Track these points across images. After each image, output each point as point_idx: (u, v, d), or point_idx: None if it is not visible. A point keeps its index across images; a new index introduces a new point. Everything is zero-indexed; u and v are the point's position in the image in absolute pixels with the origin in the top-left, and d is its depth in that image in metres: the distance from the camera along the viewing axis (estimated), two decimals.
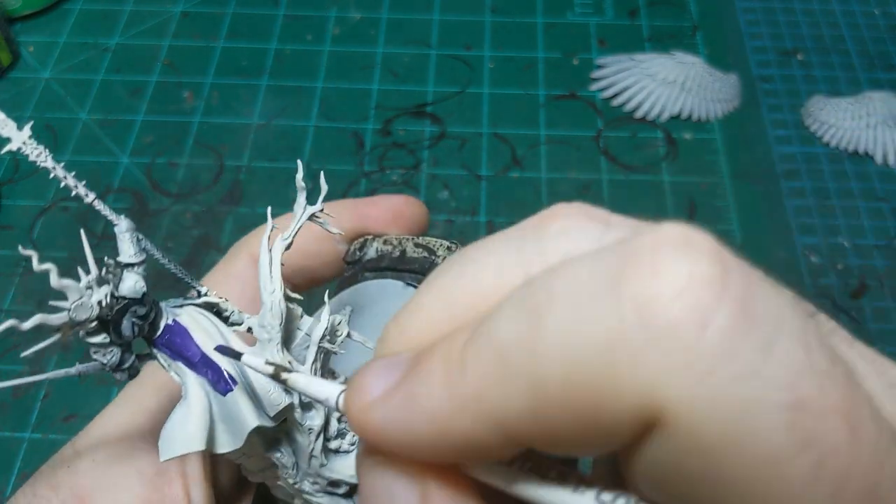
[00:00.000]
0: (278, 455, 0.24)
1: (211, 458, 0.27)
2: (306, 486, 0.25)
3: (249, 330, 0.23)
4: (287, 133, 0.64)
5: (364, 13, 0.73)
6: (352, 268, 0.32)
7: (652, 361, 0.12)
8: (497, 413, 0.14)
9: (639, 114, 0.66)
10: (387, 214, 0.32)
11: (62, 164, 0.20)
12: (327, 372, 0.25)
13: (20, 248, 0.19)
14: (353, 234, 0.32)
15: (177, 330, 0.21)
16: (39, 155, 0.20)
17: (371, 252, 0.31)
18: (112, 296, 0.20)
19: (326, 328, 0.24)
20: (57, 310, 0.19)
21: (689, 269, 0.13)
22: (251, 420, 0.21)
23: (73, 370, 0.21)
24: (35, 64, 0.69)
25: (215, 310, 0.23)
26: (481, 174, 0.62)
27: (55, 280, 0.18)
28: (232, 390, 0.21)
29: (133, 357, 0.21)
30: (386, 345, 0.17)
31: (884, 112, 0.64)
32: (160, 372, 0.22)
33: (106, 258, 0.20)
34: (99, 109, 0.65)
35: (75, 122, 0.64)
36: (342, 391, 0.17)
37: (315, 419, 0.24)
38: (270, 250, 0.23)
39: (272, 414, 0.22)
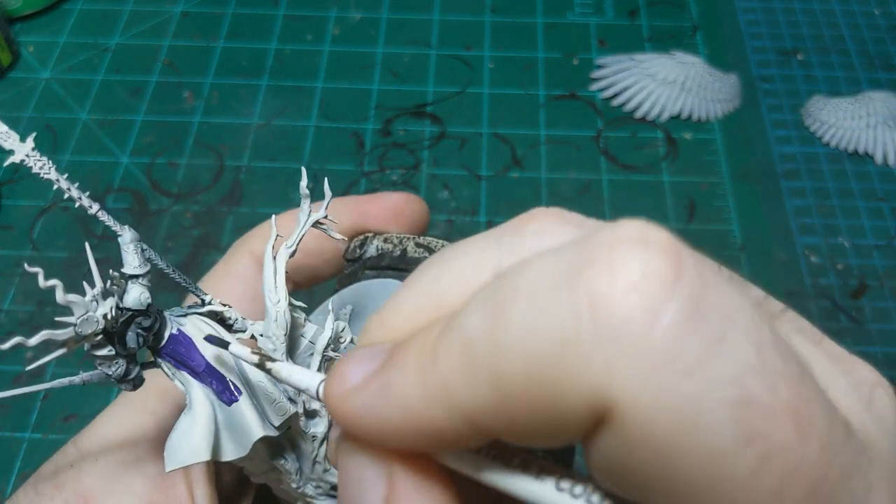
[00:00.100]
0: (282, 462, 0.24)
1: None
2: (309, 489, 0.25)
3: (252, 337, 0.23)
4: (287, 133, 0.64)
5: (364, 13, 0.73)
6: (351, 265, 0.32)
7: (603, 356, 0.13)
8: (464, 404, 0.14)
9: (639, 114, 0.66)
10: (387, 212, 0.32)
11: (65, 175, 0.20)
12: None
13: (26, 265, 0.19)
14: (352, 231, 0.32)
15: (181, 339, 0.21)
16: (43, 167, 0.20)
17: (371, 250, 0.31)
18: (117, 307, 0.20)
19: (331, 337, 0.24)
20: (63, 325, 0.19)
21: (642, 265, 0.13)
22: (257, 430, 0.21)
23: (77, 378, 0.21)
24: (35, 64, 0.69)
25: (219, 318, 0.23)
26: (481, 174, 0.62)
27: (61, 296, 0.18)
28: (237, 400, 0.21)
29: (138, 368, 0.21)
30: (367, 337, 0.17)
31: (884, 112, 0.64)
32: (161, 374, 0.22)
33: (111, 271, 0.20)
34: (99, 109, 0.65)
35: (75, 122, 0.64)
36: (322, 380, 0.18)
37: (319, 426, 0.24)
38: (275, 258, 0.23)
39: (277, 424, 0.22)
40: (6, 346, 0.18)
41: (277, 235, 0.24)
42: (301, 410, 0.23)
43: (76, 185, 0.20)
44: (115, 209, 0.58)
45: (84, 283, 0.19)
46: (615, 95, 0.67)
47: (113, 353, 0.20)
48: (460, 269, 0.16)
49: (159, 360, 0.22)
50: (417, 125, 0.65)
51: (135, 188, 0.60)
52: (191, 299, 0.30)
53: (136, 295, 0.20)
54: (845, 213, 0.60)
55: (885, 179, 0.62)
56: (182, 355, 0.21)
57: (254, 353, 0.19)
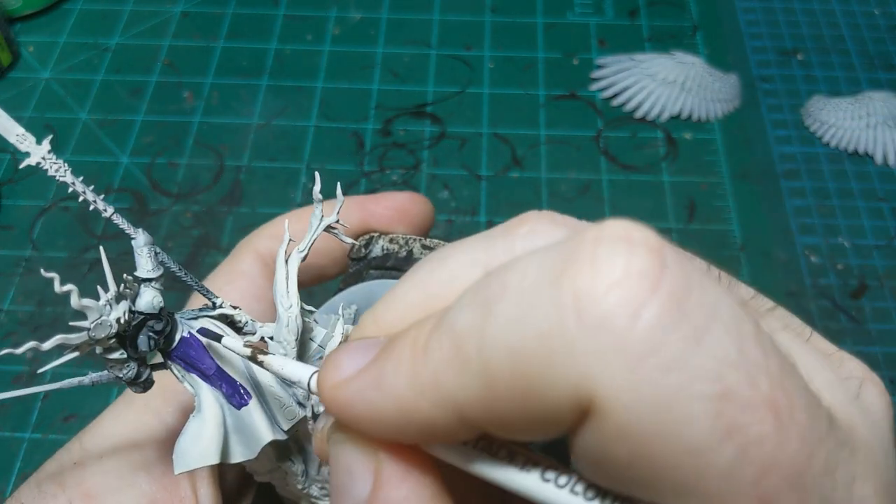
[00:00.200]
0: (288, 463, 0.24)
1: None
2: (314, 490, 0.25)
3: (262, 339, 0.23)
4: (287, 133, 0.64)
5: (364, 13, 0.73)
6: (356, 264, 0.32)
7: (585, 351, 0.13)
8: (453, 397, 0.14)
9: (639, 114, 0.66)
10: (392, 212, 0.32)
11: (80, 179, 0.20)
12: None
13: (42, 270, 0.19)
14: (357, 230, 0.32)
15: (192, 342, 0.21)
16: (59, 169, 0.20)
17: (377, 250, 0.31)
18: (129, 311, 0.20)
19: (341, 341, 0.24)
20: (77, 329, 0.19)
21: (625, 263, 0.13)
22: (266, 434, 0.21)
23: (86, 379, 0.21)
24: (35, 64, 0.69)
25: (229, 320, 0.23)
26: (481, 174, 0.62)
27: (76, 301, 0.18)
28: (247, 404, 0.22)
29: (148, 370, 0.21)
30: (361, 331, 0.18)
31: (884, 112, 0.64)
32: (165, 373, 0.22)
33: (125, 275, 0.20)
34: (99, 109, 0.65)
35: (75, 122, 0.64)
36: (314, 372, 0.18)
37: None
38: (287, 262, 0.23)
39: (286, 427, 0.22)
40: (21, 349, 0.18)
41: (290, 240, 0.24)
42: (309, 414, 0.23)
43: (91, 188, 0.21)
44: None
45: (98, 287, 0.19)
46: (615, 95, 0.67)
47: (125, 356, 0.20)
48: (453, 268, 0.17)
49: (169, 362, 0.22)
50: (417, 125, 0.65)
51: (135, 188, 0.60)
52: (196, 299, 0.30)
53: (149, 299, 0.21)
54: (845, 213, 0.60)
55: (885, 179, 0.62)
56: (192, 358, 0.21)
57: (246, 345, 0.19)
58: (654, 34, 0.71)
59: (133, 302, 0.20)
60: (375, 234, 0.32)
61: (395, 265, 0.31)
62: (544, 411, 0.14)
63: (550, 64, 0.69)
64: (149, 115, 0.65)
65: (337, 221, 0.24)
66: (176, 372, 0.22)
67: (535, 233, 0.17)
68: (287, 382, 0.23)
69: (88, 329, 0.19)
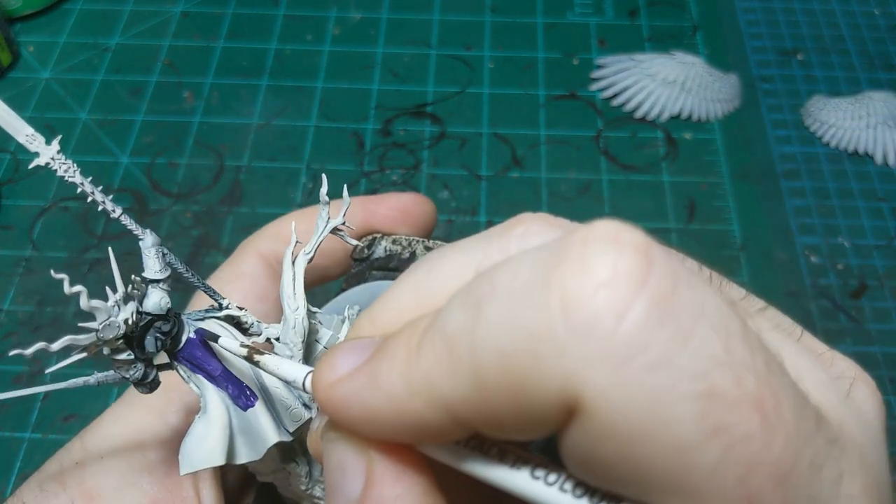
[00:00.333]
0: (293, 465, 0.24)
1: None
2: (317, 491, 0.25)
3: (268, 340, 0.23)
4: (287, 133, 0.64)
5: (364, 13, 0.73)
6: (359, 265, 0.32)
7: (572, 351, 0.13)
8: (445, 397, 0.14)
9: (639, 114, 0.66)
10: (395, 213, 0.32)
11: (90, 179, 0.20)
12: None
13: (52, 272, 0.19)
14: (360, 231, 0.32)
15: (198, 343, 0.21)
16: (68, 170, 0.20)
17: (379, 251, 0.31)
18: (137, 312, 0.20)
19: None
20: (85, 330, 0.19)
21: (612, 263, 0.13)
22: (272, 436, 0.22)
23: (91, 379, 0.21)
24: (35, 64, 0.69)
25: (235, 322, 0.23)
26: (481, 174, 0.62)
27: (84, 302, 0.18)
28: (252, 406, 0.22)
29: (155, 371, 0.21)
30: (357, 331, 0.18)
31: (884, 112, 0.64)
32: (168, 372, 0.22)
33: (133, 276, 0.20)
34: (99, 109, 0.65)
35: (75, 122, 0.64)
36: (309, 372, 0.18)
37: None
38: (293, 264, 0.23)
39: (292, 429, 0.22)
40: (30, 350, 0.18)
41: (297, 242, 0.24)
42: (315, 416, 0.23)
43: (100, 188, 0.21)
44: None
45: (107, 288, 0.19)
46: (615, 95, 0.67)
47: (132, 357, 0.20)
48: (448, 269, 0.17)
49: (175, 363, 0.22)
50: (417, 125, 0.65)
51: (135, 188, 0.60)
52: (199, 300, 0.30)
53: (157, 300, 0.21)
54: (845, 213, 0.60)
55: (885, 179, 0.62)
56: (199, 359, 0.21)
57: (243, 346, 0.19)
58: (654, 34, 0.71)
59: (140, 303, 0.20)
60: (378, 235, 0.32)
61: (398, 266, 0.31)
62: (533, 411, 0.14)
63: (550, 64, 0.69)
64: (149, 115, 0.65)
65: (343, 223, 0.24)
66: (182, 373, 0.22)
67: (530, 234, 0.17)
68: (283, 382, 0.23)
69: (97, 330, 0.19)
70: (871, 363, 0.52)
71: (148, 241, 0.21)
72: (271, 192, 0.60)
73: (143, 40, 0.71)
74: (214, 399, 0.21)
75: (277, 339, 0.23)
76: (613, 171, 0.62)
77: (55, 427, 0.49)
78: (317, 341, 0.24)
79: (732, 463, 0.13)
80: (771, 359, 0.14)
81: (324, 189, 0.23)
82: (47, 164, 0.19)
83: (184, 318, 0.22)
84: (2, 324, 0.53)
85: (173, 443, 0.26)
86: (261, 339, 0.23)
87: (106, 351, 0.20)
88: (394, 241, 0.31)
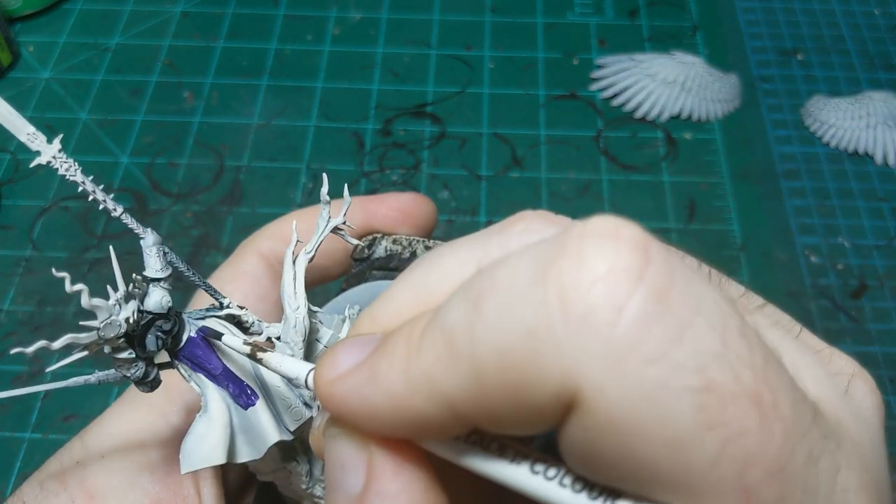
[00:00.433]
0: (293, 464, 0.24)
1: None
2: (318, 490, 0.25)
3: (269, 339, 0.23)
4: (287, 133, 0.64)
5: (364, 13, 0.73)
6: (359, 265, 0.32)
7: (570, 346, 0.13)
8: (445, 393, 0.15)
9: (639, 114, 0.66)
10: (396, 213, 0.32)
11: (90, 178, 0.20)
12: None
13: (53, 270, 0.19)
14: (360, 231, 0.32)
15: (199, 342, 0.21)
16: (69, 169, 0.20)
17: (380, 251, 0.31)
18: (138, 311, 0.20)
19: None
20: (86, 329, 0.19)
21: (609, 258, 0.13)
22: (272, 435, 0.22)
23: (92, 378, 0.21)
24: (35, 64, 0.69)
25: (236, 321, 0.23)
26: (481, 174, 0.62)
27: (86, 301, 0.18)
28: (254, 405, 0.22)
29: (156, 370, 0.21)
30: (358, 328, 0.18)
31: (884, 112, 0.64)
32: (169, 371, 0.22)
33: (134, 274, 0.20)
34: (99, 109, 0.65)
35: (75, 122, 0.64)
36: (311, 369, 0.18)
37: None
38: (294, 264, 0.23)
39: (293, 428, 0.22)
40: (31, 349, 0.18)
41: (298, 241, 0.24)
42: (316, 415, 0.23)
43: (101, 187, 0.21)
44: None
45: (108, 287, 0.19)
46: (615, 95, 0.67)
47: (133, 356, 0.20)
48: (449, 266, 0.17)
49: (176, 362, 0.22)
50: (417, 125, 0.65)
51: (135, 188, 0.60)
52: (200, 299, 0.30)
53: (158, 298, 0.21)
54: (845, 213, 0.60)
55: (885, 179, 0.62)
56: (199, 358, 0.21)
57: (246, 343, 0.19)
58: (654, 34, 0.71)
59: (142, 302, 0.20)
60: (378, 235, 0.32)
61: (398, 266, 0.31)
62: (532, 405, 0.14)
63: (550, 64, 0.69)
64: (149, 115, 0.65)
65: (344, 223, 0.24)
66: (183, 371, 0.22)
67: (530, 231, 0.17)
68: (285, 379, 0.23)
69: (98, 329, 0.19)
70: (871, 363, 0.52)
71: (149, 240, 0.21)
72: (271, 192, 0.60)
73: (143, 40, 0.71)
74: (215, 398, 0.21)
75: (278, 339, 0.23)
76: (613, 171, 0.62)
77: (55, 427, 0.49)
78: (317, 341, 0.24)
79: (730, 457, 0.13)
80: (769, 354, 0.14)
81: (324, 189, 0.23)
82: (48, 162, 0.19)
83: (185, 316, 0.22)
84: (2, 324, 0.53)
85: (174, 442, 0.26)
86: (261, 339, 0.23)
87: (107, 350, 0.20)
88: (394, 241, 0.31)
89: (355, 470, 0.16)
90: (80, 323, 0.19)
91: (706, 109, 0.66)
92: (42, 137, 0.19)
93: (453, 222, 0.59)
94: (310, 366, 0.18)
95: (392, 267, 0.31)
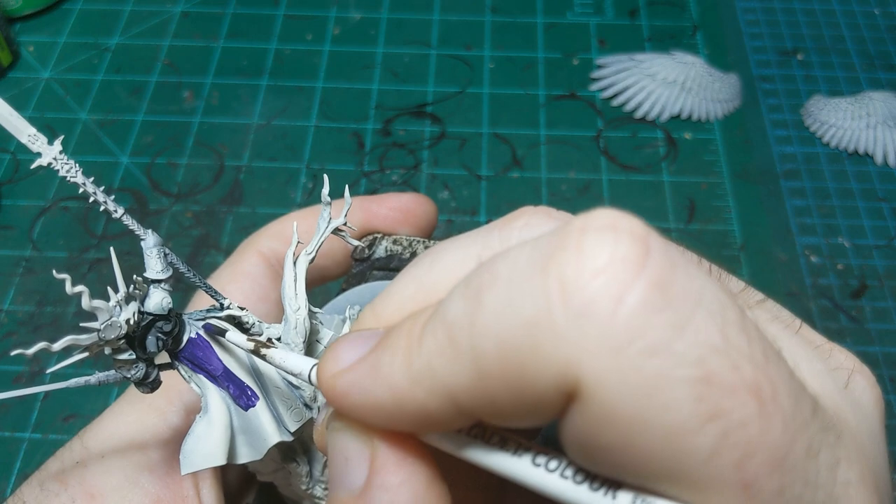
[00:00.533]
0: (293, 464, 0.24)
1: None
2: (318, 491, 0.25)
3: (269, 340, 0.23)
4: (287, 133, 0.64)
5: (364, 13, 0.73)
6: (360, 265, 0.32)
7: (570, 337, 0.13)
8: (446, 385, 0.15)
9: (639, 114, 0.66)
10: (396, 213, 0.32)
11: (91, 179, 0.20)
12: None
13: (54, 272, 0.19)
14: (360, 231, 0.32)
15: (199, 343, 0.22)
16: (70, 170, 0.20)
17: (380, 251, 0.31)
18: (139, 312, 0.20)
19: None
20: (87, 330, 0.19)
21: (610, 250, 0.14)
22: (273, 436, 0.22)
23: (93, 379, 0.21)
24: (35, 64, 0.69)
25: (236, 321, 0.23)
26: (481, 174, 0.62)
27: (87, 302, 0.18)
28: (254, 405, 0.22)
29: (156, 371, 0.21)
30: (361, 324, 0.18)
31: (884, 112, 0.64)
32: (169, 372, 0.22)
33: (135, 276, 0.20)
34: (99, 109, 0.65)
35: (75, 122, 0.64)
36: (314, 364, 0.18)
37: None
38: (295, 265, 0.23)
39: (293, 429, 0.22)
40: (32, 350, 0.18)
41: (298, 242, 0.24)
42: (316, 415, 0.23)
43: (102, 188, 0.21)
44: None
45: (109, 288, 0.19)
46: (615, 95, 0.67)
47: (133, 357, 0.20)
48: (450, 262, 0.17)
49: (176, 363, 0.22)
50: (417, 125, 0.65)
51: (135, 188, 0.60)
52: (200, 299, 0.30)
53: (158, 300, 0.21)
54: (845, 213, 0.60)
55: (885, 179, 0.62)
56: (200, 359, 0.21)
57: (250, 339, 0.19)
58: (654, 34, 0.71)
59: (142, 303, 0.20)
60: (379, 236, 0.32)
61: (399, 266, 0.31)
62: (533, 397, 0.14)
63: (550, 64, 0.69)
64: (149, 115, 0.65)
65: (344, 224, 0.24)
66: (183, 372, 0.22)
67: (531, 226, 0.17)
68: (289, 375, 0.23)
69: (99, 330, 0.19)
70: (872, 363, 0.52)
71: (150, 242, 0.21)
72: (271, 192, 0.60)
73: (143, 40, 0.71)
74: (215, 399, 0.21)
75: (279, 339, 0.23)
76: (613, 171, 0.62)
77: (55, 427, 0.49)
78: (318, 341, 0.24)
79: (729, 448, 0.13)
80: (768, 347, 0.14)
81: (325, 190, 0.23)
82: (49, 164, 0.19)
83: (185, 317, 0.22)
84: (2, 324, 0.53)
85: (174, 442, 0.26)
86: (262, 339, 0.23)
87: (107, 351, 0.20)
88: (394, 242, 0.31)
89: (358, 463, 0.16)
90: (81, 324, 0.19)
91: (706, 109, 0.66)
92: (43, 139, 0.19)
93: (453, 222, 0.59)
94: (313, 361, 0.18)
95: (392, 267, 0.31)
